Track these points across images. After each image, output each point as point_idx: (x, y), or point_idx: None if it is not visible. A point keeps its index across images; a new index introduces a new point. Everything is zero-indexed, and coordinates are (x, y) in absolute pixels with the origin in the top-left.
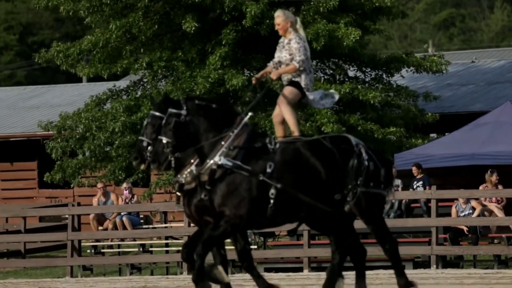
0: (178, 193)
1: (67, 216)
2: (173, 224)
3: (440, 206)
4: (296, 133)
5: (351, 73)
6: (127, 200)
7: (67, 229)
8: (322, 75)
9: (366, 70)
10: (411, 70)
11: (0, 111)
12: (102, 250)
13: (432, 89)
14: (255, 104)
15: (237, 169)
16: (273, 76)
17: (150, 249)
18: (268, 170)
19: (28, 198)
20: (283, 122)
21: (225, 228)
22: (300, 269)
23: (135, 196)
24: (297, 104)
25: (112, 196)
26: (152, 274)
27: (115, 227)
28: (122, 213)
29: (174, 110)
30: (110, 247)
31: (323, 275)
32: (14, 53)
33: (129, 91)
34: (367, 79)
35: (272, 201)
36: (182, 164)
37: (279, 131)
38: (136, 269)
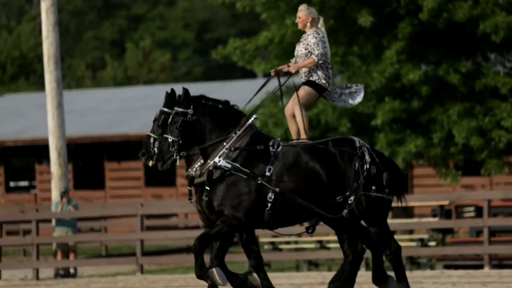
0: (189, 188)
1: None
2: None
3: None
4: (303, 135)
5: None
6: None
7: None
8: (500, 68)
9: None
10: None
11: None
12: (280, 246)
13: None
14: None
15: (235, 171)
16: (292, 69)
17: (327, 245)
18: (267, 173)
19: None
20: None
21: (220, 228)
22: (480, 267)
23: None
24: (313, 103)
25: None
26: (329, 270)
27: None
28: None
29: (180, 109)
30: (288, 243)
31: (504, 272)
32: (191, 50)
33: None
34: None
35: (269, 204)
36: (193, 158)
37: (291, 125)
38: (313, 265)
